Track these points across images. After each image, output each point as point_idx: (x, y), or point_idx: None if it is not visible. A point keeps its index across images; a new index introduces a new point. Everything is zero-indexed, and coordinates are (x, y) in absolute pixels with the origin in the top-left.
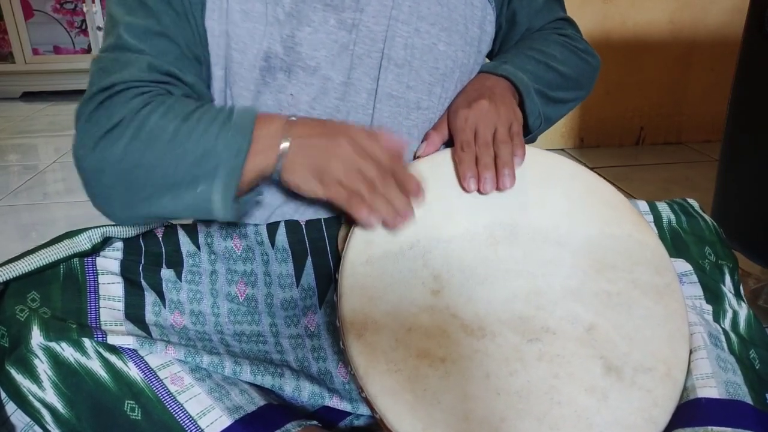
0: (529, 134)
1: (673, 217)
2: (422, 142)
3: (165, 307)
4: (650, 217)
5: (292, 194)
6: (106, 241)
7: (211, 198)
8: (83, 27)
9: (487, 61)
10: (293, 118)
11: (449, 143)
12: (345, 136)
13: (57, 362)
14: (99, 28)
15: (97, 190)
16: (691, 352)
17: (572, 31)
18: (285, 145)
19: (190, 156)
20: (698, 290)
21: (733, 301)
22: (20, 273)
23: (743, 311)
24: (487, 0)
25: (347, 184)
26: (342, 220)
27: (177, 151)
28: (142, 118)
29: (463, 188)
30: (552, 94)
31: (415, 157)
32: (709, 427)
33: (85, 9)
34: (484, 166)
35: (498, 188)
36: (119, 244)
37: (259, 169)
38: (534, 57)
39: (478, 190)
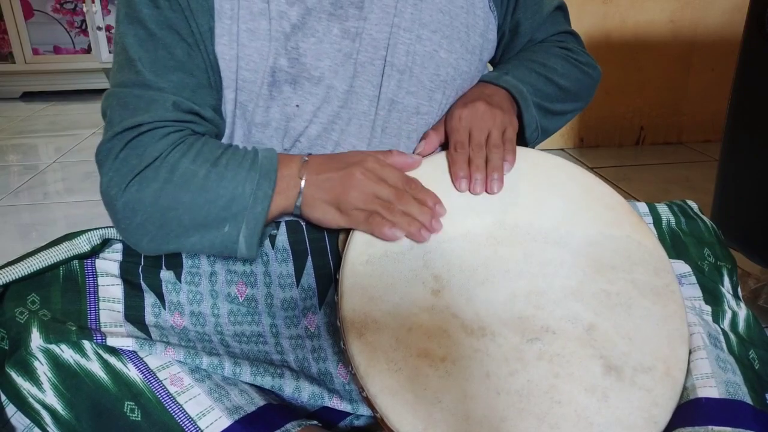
0: (526, 146)
1: (672, 219)
2: (420, 141)
3: (165, 309)
4: (649, 219)
5: None
6: (106, 243)
7: (237, 239)
8: (83, 27)
9: (489, 67)
10: (306, 158)
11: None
12: (357, 166)
13: (57, 364)
14: (99, 28)
15: (129, 227)
16: (690, 352)
17: (575, 45)
18: (303, 184)
19: (220, 200)
20: (697, 291)
21: (732, 302)
22: (20, 275)
23: (742, 312)
24: (490, 9)
25: (365, 209)
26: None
27: (207, 195)
28: (174, 162)
29: (455, 188)
30: (551, 107)
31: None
32: (710, 427)
33: (85, 9)
34: (475, 168)
35: (486, 191)
36: (119, 246)
37: (282, 208)
38: (535, 69)
39: (470, 191)
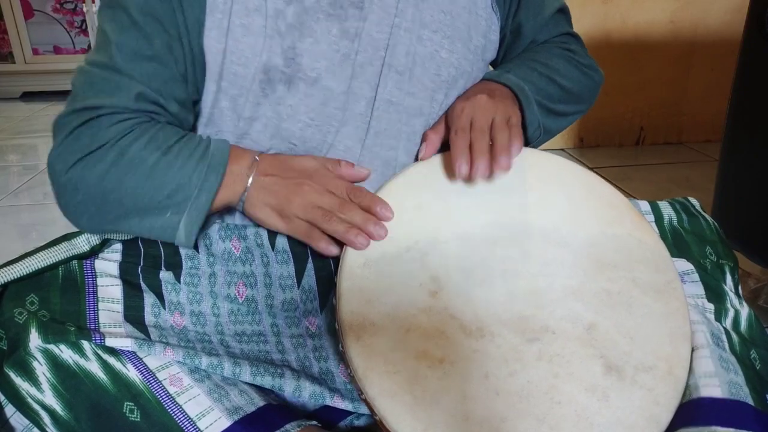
0: (528, 144)
1: (674, 217)
2: (421, 144)
3: (164, 309)
4: (651, 217)
5: None
6: (105, 243)
7: (177, 226)
8: (83, 27)
9: (490, 68)
10: (257, 158)
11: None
12: (305, 177)
13: (56, 364)
14: None
15: (68, 205)
16: (693, 350)
17: (577, 47)
18: (250, 182)
19: (165, 189)
20: (700, 289)
21: (735, 300)
22: (19, 275)
23: (744, 311)
24: (492, 10)
25: (305, 218)
26: None
27: (153, 183)
28: (124, 146)
29: (453, 174)
30: (553, 107)
31: (417, 159)
32: (713, 427)
33: (85, 9)
34: (478, 151)
35: (494, 170)
36: (118, 246)
37: (225, 201)
38: (537, 69)
39: (469, 176)
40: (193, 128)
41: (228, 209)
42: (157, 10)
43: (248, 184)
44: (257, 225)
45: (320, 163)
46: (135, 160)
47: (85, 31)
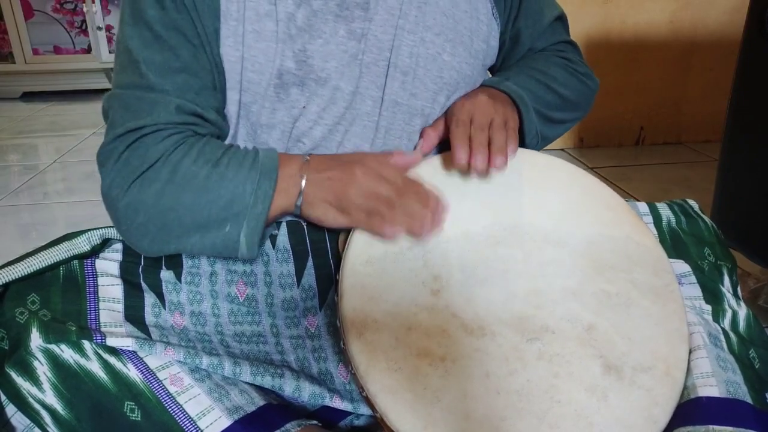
0: None
1: (672, 218)
2: (419, 139)
3: (165, 309)
4: (650, 218)
5: None
6: (106, 243)
7: (238, 239)
8: (83, 27)
9: (488, 74)
10: (306, 157)
11: (447, 144)
12: (358, 165)
13: (56, 364)
14: (99, 28)
15: (131, 228)
16: (690, 352)
17: (574, 55)
18: (304, 183)
19: (221, 200)
20: (697, 291)
21: (732, 301)
22: (20, 275)
23: (742, 311)
24: (492, 16)
25: (365, 207)
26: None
27: (209, 196)
28: (175, 162)
29: (454, 162)
30: (550, 115)
31: None
32: (711, 426)
33: (85, 9)
34: (478, 144)
35: (490, 166)
36: (118, 246)
37: (282, 207)
38: (535, 77)
39: (468, 166)
40: None
41: None
42: (178, 22)
43: (302, 186)
44: None
45: (371, 153)
46: (188, 176)
47: (85, 31)
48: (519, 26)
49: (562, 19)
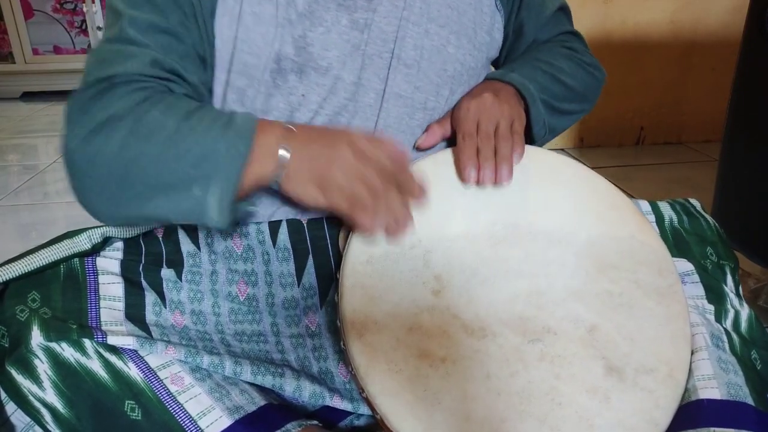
0: (533, 143)
1: (675, 217)
2: (423, 133)
3: (165, 307)
4: (652, 217)
5: None
6: (106, 241)
7: (206, 202)
8: (83, 27)
9: (492, 68)
10: (292, 127)
11: (451, 140)
12: (346, 142)
13: (57, 362)
14: (99, 28)
15: (86, 185)
16: (692, 353)
17: (579, 45)
18: (283, 153)
19: (189, 156)
20: (700, 290)
21: (735, 301)
22: (20, 273)
23: (745, 311)
24: (496, 8)
25: (349, 191)
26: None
27: (176, 149)
28: (142, 112)
29: (462, 179)
30: (557, 105)
31: (415, 147)
32: (711, 429)
33: (85, 9)
34: (484, 158)
35: (495, 182)
36: (119, 244)
37: (257, 176)
38: (541, 68)
39: (477, 182)
40: None
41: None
42: None
43: (283, 156)
44: (258, 222)
45: (363, 132)
46: (154, 126)
47: (85, 31)
48: (522, 17)
49: (564, 9)
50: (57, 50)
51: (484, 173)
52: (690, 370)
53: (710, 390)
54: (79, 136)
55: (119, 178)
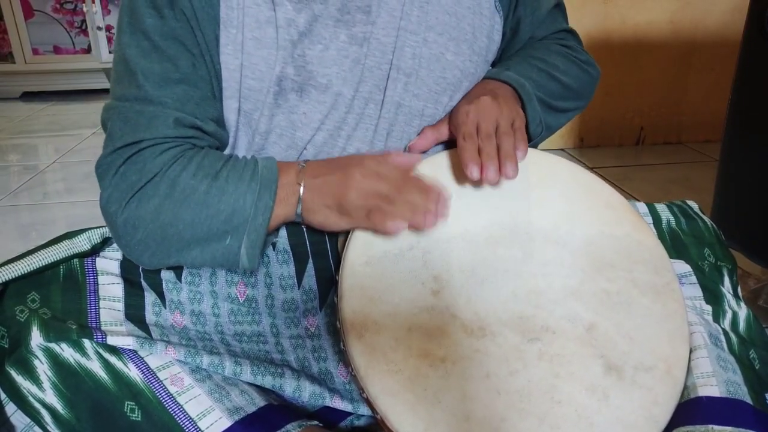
0: (530, 141)
1: (672, 219)
2: (416, 136)
3: (165, 308)
4: (649, 219)
5: None
6: (106, 242)
7: (239, 251)
8: (83, 27)
9: (489, 67)
10: (302, 164)
11: (447, 144)
12: (356, 167)
13: (57, 363)
14: (99, 28)
15: (131, 243)
16: (691, 351)
17: (574, 43)
18: (302, 190)
19: (221, 215)
20: (698, 291)
21: (733, 301)
22: (20, 274)
23: (743, 312)
24: (495, 9)
25: (366, 208)
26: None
27: (209, 211)
28: (174, 177)
29: (466, 176)
30: (553, 103)
31: (407, 149)
32: (711, 426)
33: (85, 9)
34: (486, 156)
35: (501, 175)
36: None
37: (283, 216)
38: (536, 66)
39: (480, 179)
40: None
41: None
42: (177, 31)
43: (301, 193)
44: None
45: (368, 155)
46: (187, 190)
47: (85, 31)
48: (518, 15)
49: (560, 6)
50: (57, 50)
51: (487, 171)
52: (689, 368)
53: (709, 388)
54: (118, 202)
55: (159, 238)
